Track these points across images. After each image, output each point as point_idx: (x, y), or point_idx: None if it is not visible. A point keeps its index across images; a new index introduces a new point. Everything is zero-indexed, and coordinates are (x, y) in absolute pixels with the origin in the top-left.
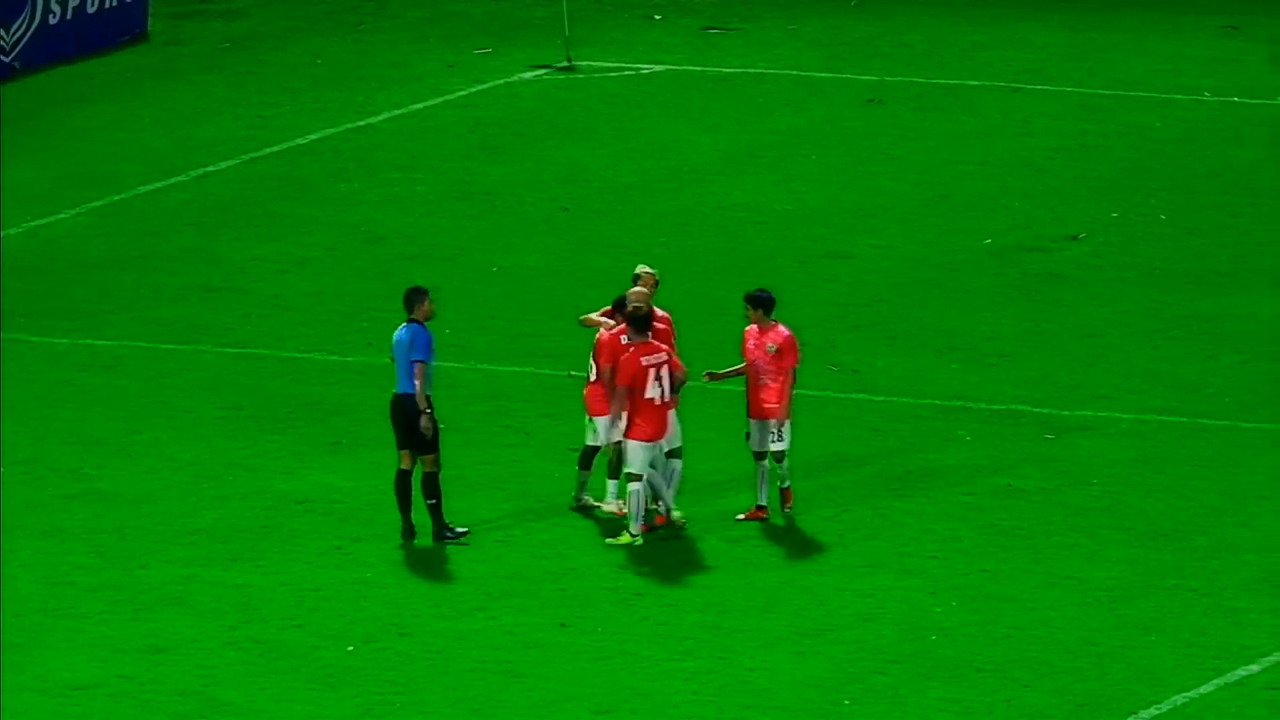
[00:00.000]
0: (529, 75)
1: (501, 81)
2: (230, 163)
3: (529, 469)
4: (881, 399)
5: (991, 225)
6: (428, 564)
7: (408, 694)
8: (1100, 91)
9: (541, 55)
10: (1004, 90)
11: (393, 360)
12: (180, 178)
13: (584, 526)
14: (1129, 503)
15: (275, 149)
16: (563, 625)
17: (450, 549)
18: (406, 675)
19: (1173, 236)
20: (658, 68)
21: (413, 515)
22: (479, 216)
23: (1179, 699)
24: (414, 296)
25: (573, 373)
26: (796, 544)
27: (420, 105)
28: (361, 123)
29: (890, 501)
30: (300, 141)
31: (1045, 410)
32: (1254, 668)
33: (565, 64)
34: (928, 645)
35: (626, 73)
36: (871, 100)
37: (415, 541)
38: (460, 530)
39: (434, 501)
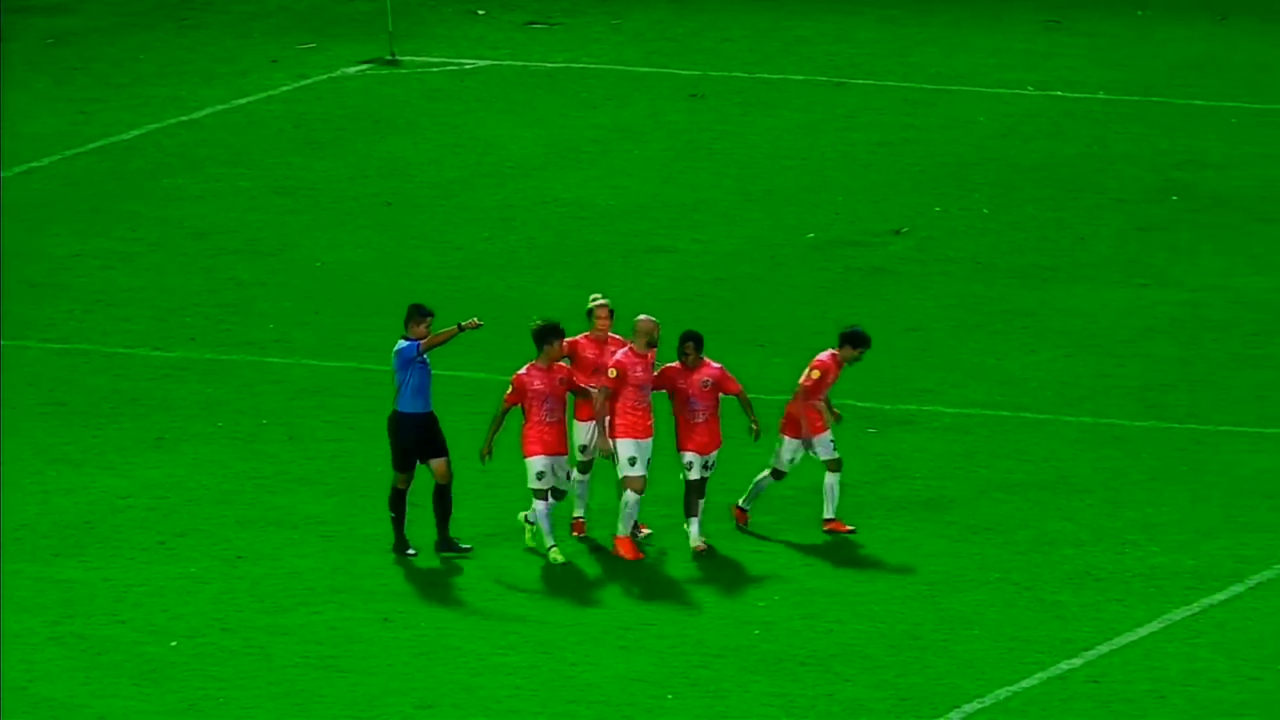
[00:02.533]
0: (353, 70)
1: (325, 77)
2: (53, 158)
3: (352, 464)
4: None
5: (814, 220)
6: (251, 559)
7: (231, 689)
8: (923, 86)
9: (365, 50)
10: (827, 85)
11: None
12: (4, 173)
13: (407, 523)
14: (951, 496)
15: (99, 144)
16: (385, 620)
17: (278, 547)
18: (230, 670)
19: (995, 230)
20: (481, 63)
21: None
22: (302, 211)
23: (1002, 692)
24: (410, 314)
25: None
26: (605, 538)
27: (244, 100)
28: (185, 118)
29: (713, 496)
30: (124, 137)
31: (868, 404)
32: (1076, 661)
33: (389, 59)
34: (750, 639)
35: (450, 68)
36: (694, 95)
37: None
38: (465, 547)
39: (445, 516)
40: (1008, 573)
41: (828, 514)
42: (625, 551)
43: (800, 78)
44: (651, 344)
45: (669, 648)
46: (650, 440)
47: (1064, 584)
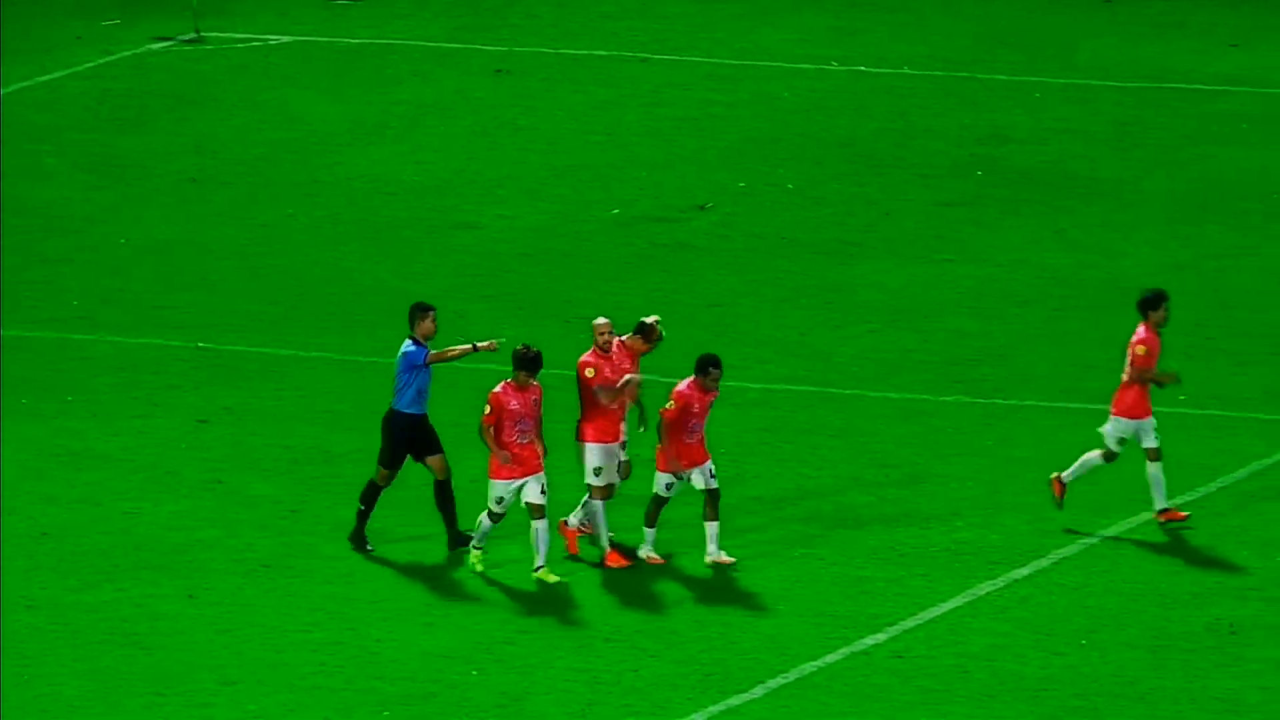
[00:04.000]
0: (157, 47)
1: (130, 53)
2: None
3: (157, 440)
4: (509, 370)
5: (619, 195)
6: (56, 536)
7: (36, 666)
8: (728, 61)
9: (170, 26)
10: (632, 60)
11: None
12: None
13: (210, 500)
14: (757, 472)
15: None
16: (191, 597)
17: (84, 524)
18: (35, 648)
19: (800, 206)
20: (285, 38)
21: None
22: (107, 188)
23: (807, 667)
24: (412, 313)
25: (200, 345)
26: (428, 516)
27: (48, 77)
28: None
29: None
30: None
31: (672, 380)
32: (880, 636)
33: (193, 35)
34: (556, 614)
35: (254, 44)
36: (499, 71)
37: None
38: (470, 534)
39: (450, 510)
40: (813, 548)
41: (1160, 505)
42: (614, 561)
43: (605, 53)
44: (609, 344)
45: (474, 624)
46: (618, 444)
47: (869, 559)
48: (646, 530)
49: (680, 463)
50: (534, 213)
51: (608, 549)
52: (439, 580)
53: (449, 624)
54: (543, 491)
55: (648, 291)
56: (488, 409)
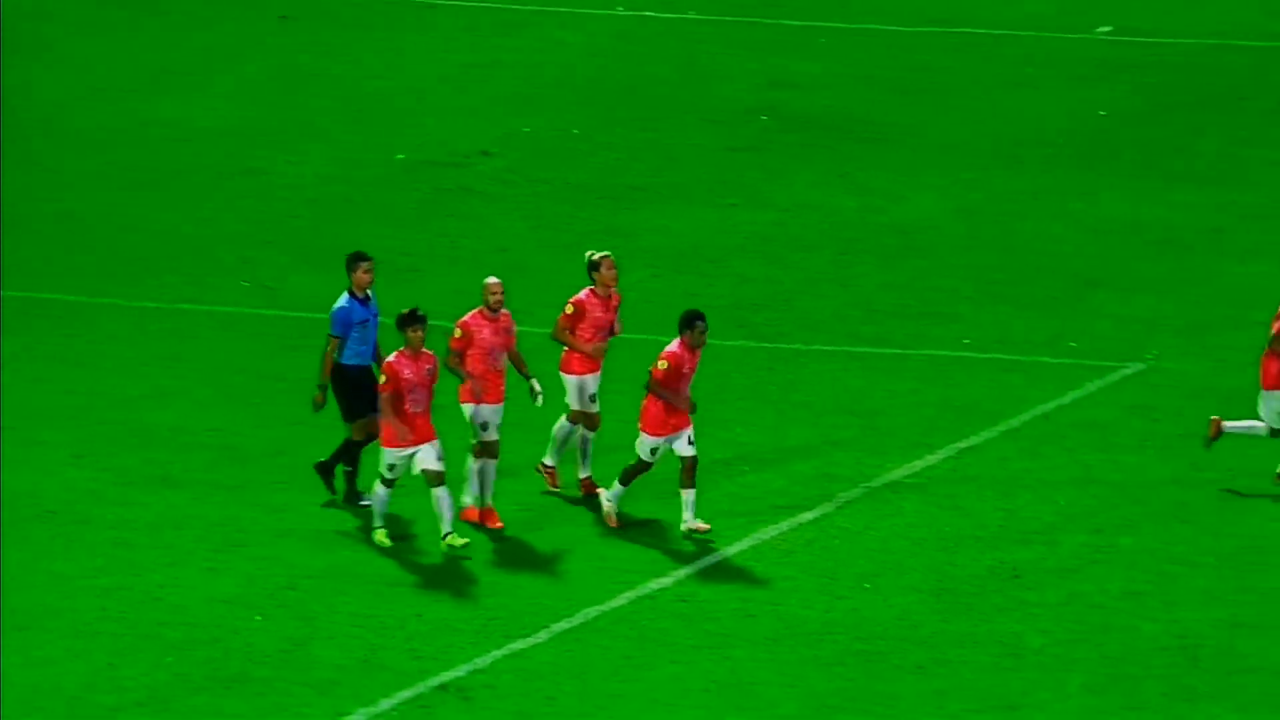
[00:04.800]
0: None
1: None
2: None
3: None
4: (295, 315)
5: (405, 141)
6: None
7: None
8: (514, 7)
9: None
10: (418, 6)
11: None
12: None
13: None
14: (544, 419)
15: None
16: None
17: None
18: None
19: (587, 151)
20: None
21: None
22: None
23: (591, 611)
24: (348, 265)
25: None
26: (211, 461)
27: None
28: None
29: (304, 415)
30: None
31: (447, 323)
32: (665, 580)
33: None
34: (340, 560)
35: None
36: (284, 17)
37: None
38: (367, 502)
39: (350, 469)
40: (599, 494)
41: None
42: (490, 521)
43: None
44: (498, 304)
45: (258, 569)
46: (501, 405)
47: (655, 503)
48: (617, 484)
49: (668, 426)
50: (321, 159)
51: (469, 506)
52: (224, 527)
53: (233, 570)
54: (439, 458)
55: (433, 237)
56: (383, 378)
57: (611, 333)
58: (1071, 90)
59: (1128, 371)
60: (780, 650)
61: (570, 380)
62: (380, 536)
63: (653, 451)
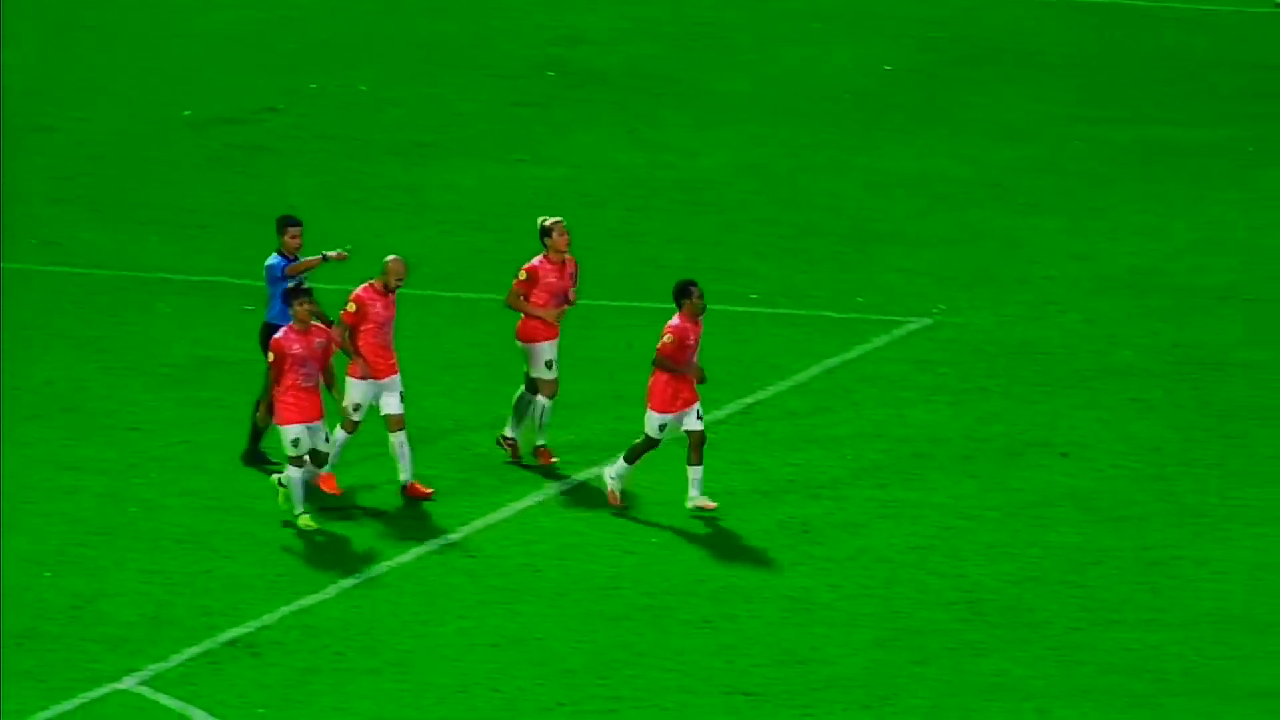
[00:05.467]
0: None
1: None
2: None
3: None
4: (83, 271)
5: (193, 98)
6: None
7: None
8: None
9: None
10: None
11: None
12: None
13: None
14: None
15: None
16: None
17: None
18: None
19: (374, 107)
20: None
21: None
22: None
23: (380, 567)
24: (278, 227)
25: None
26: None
27: None
28: None
29: (89, 372)
30: None
31: (244, 281)
32: (453, 537)
33: None
34: (128, 517)
35: None
36: None
37: None
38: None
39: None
40: (385, 450)
41: None
42: (327, 486)
43: None
44: (400, 284)
45: (46, 525)
46: (398, 377)
47: (440, 460)
48: (623, 462)
49: (677, 402)
50: (109, 115)
51: (328, 473)
52: (10, 484)
53: (20, 527)
54: (327, 440)
55: (219, 193)
56: (271, 356)
57: (567, 300)
58: (857, 45)
59: (914, 326)
60: (567, 605)
61: (530, 348)
62: (305, 521)
63: (661, 428)
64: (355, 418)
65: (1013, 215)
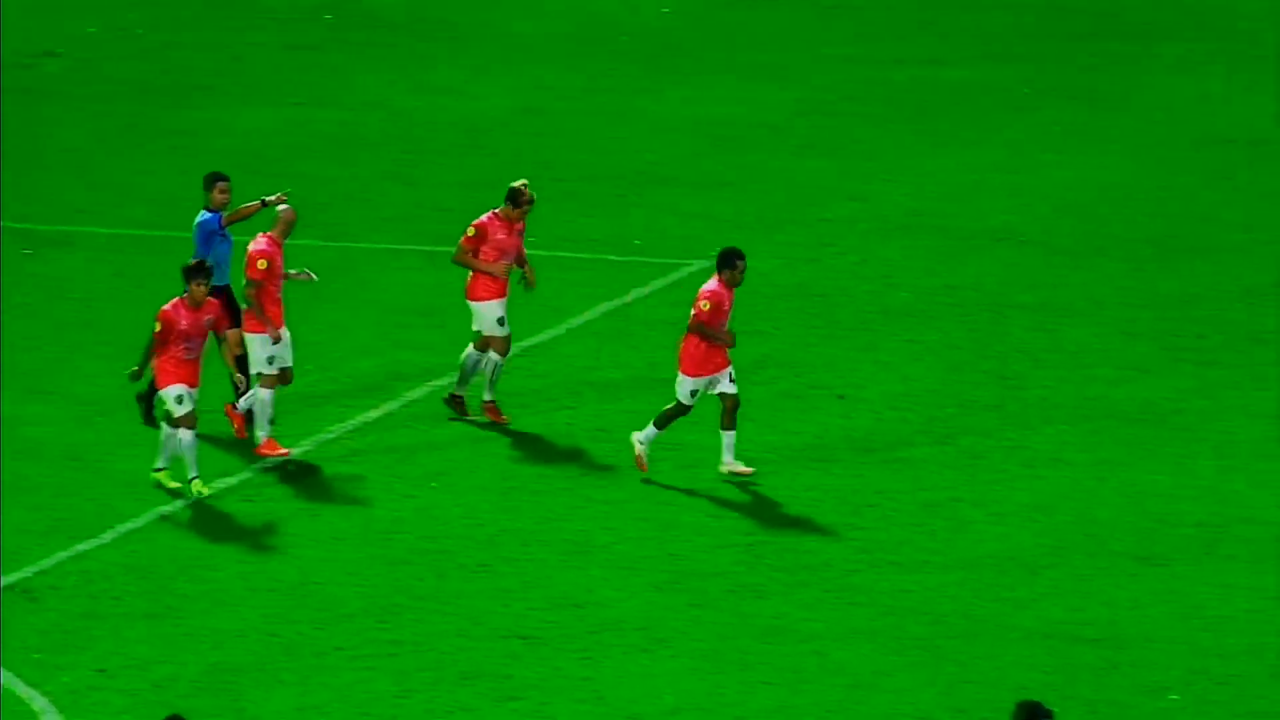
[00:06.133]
0: None
1: None
2: None
3: None
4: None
5: None
6: None
7: None
8: None
9: None
10: None
11: None
12: None
13: None
14: (109, 317)
15: None
16: None
17: None
18: None
19: (152, 50)
20: None
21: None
22: None
23: (156, 512)
24: (206, 184)
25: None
26: None
27: None
28: None
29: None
30: None
31: (25, 226)
32: (231, 480)
33: None
34: None
35: None
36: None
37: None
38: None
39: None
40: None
41: None
42: (270, 450)
43: None
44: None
45: None
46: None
47: (214, 408)
48: (652, 428)
49: (709, 366)
50: None
51: (266, 437)
52: None
53: None
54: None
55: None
56: (158, 326)
57: (519, 260)
58: None
59: (693, 268)
60: (345, 549)
61: (477, 306)
62: (197, 486)
63: (692, 394)
64: (271, 371)
65: (789, 157)
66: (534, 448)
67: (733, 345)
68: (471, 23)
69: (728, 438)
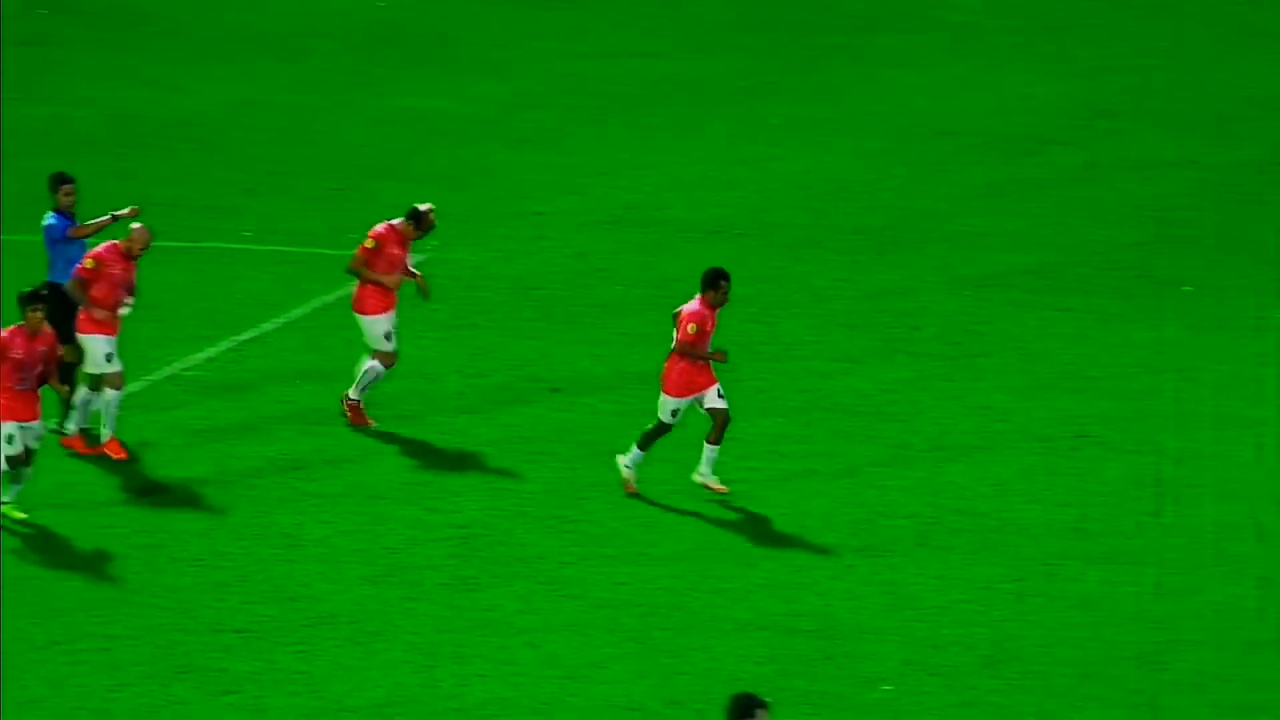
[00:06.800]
0: None
1: None
2: None
3: None
4: None
5: None
6: None
7: None
8: None
9: None
10: None
11: None
12: None
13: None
14: None
15: None
16: None
17: None
18: None
19: None
20: None
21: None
22: None
23: None
24: (51, 185)
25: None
26: None
27: None
28: None
29: None
30: None
31: None
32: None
33: None
34: None
35: None
36: None
37: None
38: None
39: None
40: None
41: None
42: (114, 452)
43: None
44: (142, 253)
45: None
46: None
47: None
48: (635, 449)
49: (693, 387)
50: None
51: (110, 437)
52: None
53: None
54: (38, 438)
55: None
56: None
57: (407, 272)
58: None
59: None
60: (60, 543)
61: (366, 320)
62: (9, 510)
63: (673, 413)
64: (111, 369)
65: (506, 150)
66: (248, 441)
67: (724, 361)
68: (186, 16)
69: (710, 451)
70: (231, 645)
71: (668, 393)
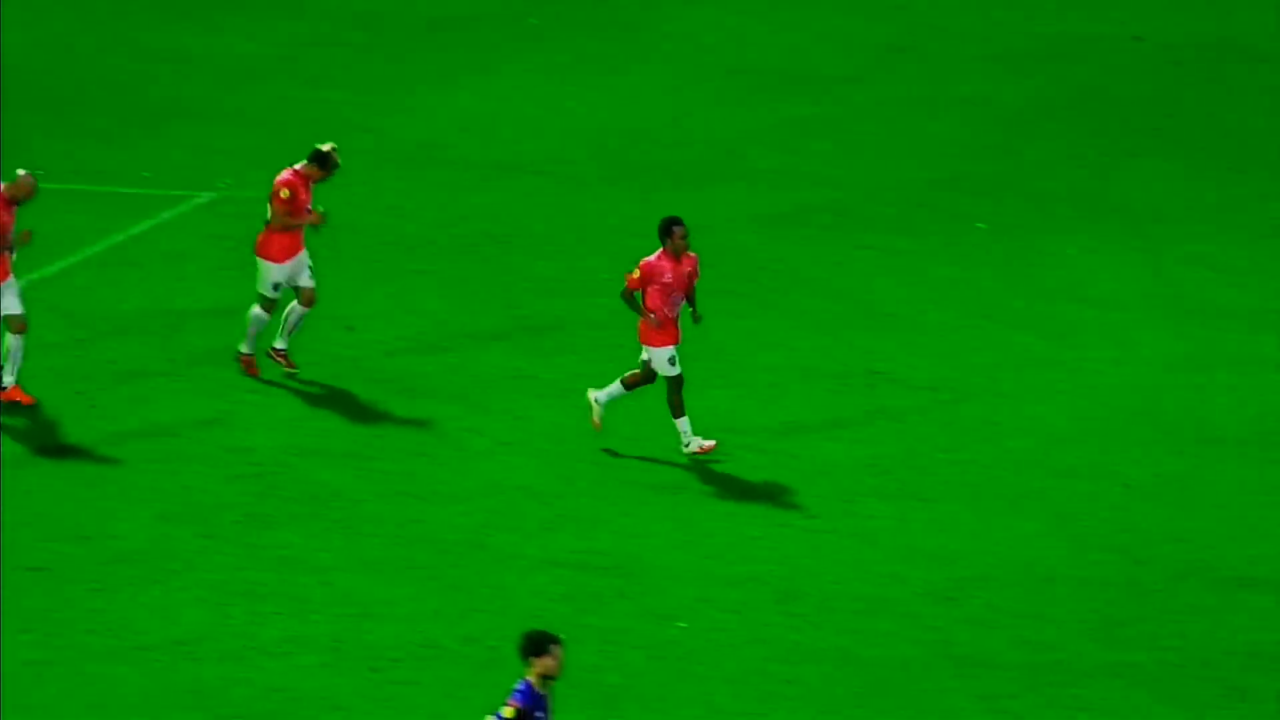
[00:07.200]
0: None
1: None
2: None
3: None
4: None
5: None
6: None
7: None
8: None
9: None
10: None
11: None
12: None
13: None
14: None
15: None
16: None
17: None
18: None
19: None
20: None
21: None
22: None
23: None
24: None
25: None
26: None
27: None
28: None
29: None
30: None
31: None
32: None
33: None
34: None
35: None
36: None
37: None
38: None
39: None
40: None
41: None
42: (20, 398)
43: None
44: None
45: None
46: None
47: None
48: (679, 422)
49: (670, 334)
50: None
51: (13, 384)
52: None
53: None
54: None
55: None
56: None
57: (310, 214)
58: None
59: (200, 200)
60: None
61: (264, 265)
62: None
63: (672, 361)
64: (17, 311)
65: (301, 88)
66: (46, 380)
67: (696, 320)
68: None
69: (682, 423)
70: (25, 585)
71: (656, 345)
